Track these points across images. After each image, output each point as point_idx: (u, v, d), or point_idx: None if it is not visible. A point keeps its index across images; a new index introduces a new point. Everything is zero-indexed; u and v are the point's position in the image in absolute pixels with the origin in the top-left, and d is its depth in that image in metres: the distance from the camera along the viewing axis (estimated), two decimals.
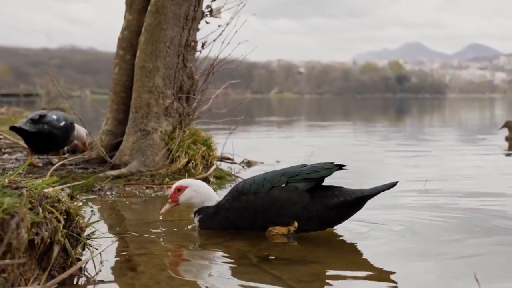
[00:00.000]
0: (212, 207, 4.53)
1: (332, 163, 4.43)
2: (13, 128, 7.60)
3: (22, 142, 9.51)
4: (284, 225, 4.34)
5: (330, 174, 4.36)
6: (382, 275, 3.46)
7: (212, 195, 4.59)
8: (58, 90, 32.29)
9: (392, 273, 3.49)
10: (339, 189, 4.42)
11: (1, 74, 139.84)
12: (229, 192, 4.54)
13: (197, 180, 4.73)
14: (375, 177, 7.53)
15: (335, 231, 4.55)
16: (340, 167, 4.40)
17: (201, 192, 4.55)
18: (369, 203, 5.04)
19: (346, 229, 4.59)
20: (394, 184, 4.33)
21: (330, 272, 3.52)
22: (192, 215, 4.62)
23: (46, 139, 7.61)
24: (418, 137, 15.94)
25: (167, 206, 4.56)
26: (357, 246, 4.14)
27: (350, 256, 3.88)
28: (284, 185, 4.33)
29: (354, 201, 4.34)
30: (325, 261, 3.77)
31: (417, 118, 29.13)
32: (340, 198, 4.32)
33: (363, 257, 3.84)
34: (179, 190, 4.53)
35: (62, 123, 7.75)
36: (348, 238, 4.37)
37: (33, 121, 7.58)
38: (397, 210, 5.34)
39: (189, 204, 4.59)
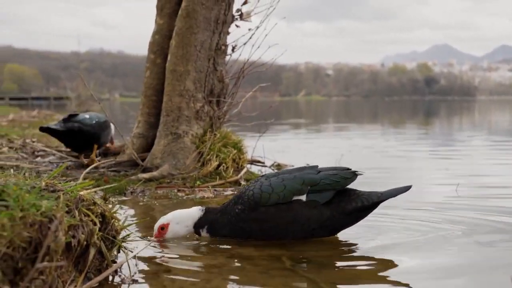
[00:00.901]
0: (214, 214, 4.38)
1: (349, 169, 4.38)
2: (41, 129, 8.04)
3: (55, 145, 9.69)
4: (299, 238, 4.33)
5: (351, 183, 4.32)
6: (416, 280, 3.45)
7: (190, 213, 4.42)
8: (87, 93, 32.71)
9: (426, 278, 3.48)
10: (355, 192, 4.38)
11: (32, 78, 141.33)
12: (240, 199, 4.34)
13: (174, 211, 4.46)
14: (405, 181, 7.49)
15: (368, 234, 4.55)
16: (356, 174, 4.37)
17: (183, 220, 4.39)
18: (403, 207, 5.08)
19: (381, 233, 4.58)
20: (408, 188, 4.36)
21: (364, 275, 3.52)
22: (193, 231, 4.44)
23: (76, 137, 8.03)
24: (448, 139, 15.84)
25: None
26: (391, 250, 4.12)
27: (384, 260, 3.86)
28: (305, 196, 4.23)
29: (371, 206, 4.33)
30: (359, 264, 3.76)
31: (447, 121, 28.91)
32: (358, 203, 4.28)
33: (397, 261, 3.82)
34: (163, 228, 4.36)
35: (94, 121, 8.15)
36: (382, 242, 4.35)
37: (64, 120, 8.06)
38: (431, 215, 5.31)
39: (176, 237, 4.41)
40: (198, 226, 4.40)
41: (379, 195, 4.33)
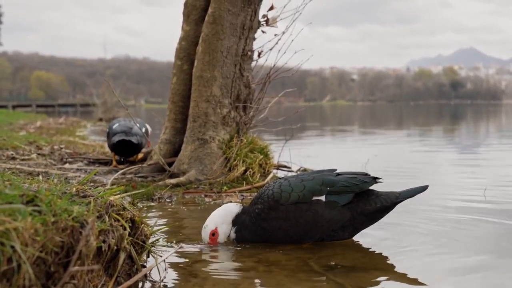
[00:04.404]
0: (241, 215, 4.42)
1: (367, 174, 4.42)
2: (123, 142, 8.83)
3: (82, 151, 9.81)
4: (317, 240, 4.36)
5: (369, 187, 4.36)
6: (445, 284, 3.44)
7: (227, 209, 4.46)
8: (113, 100, 32.87)
9: (456, 283, 3.47)
10: (373, 192, 4.41)
11: (58, 84, 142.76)
12: (260, 199, 4.38)
13: (215, 214, 4.44)
14: (432, 186, 7.45)
15: (394, 237, 4.55)
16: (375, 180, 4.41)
17: (227, 219, 4.41)
18: (428, 211, 5.07)
19: (407, 237, 4.58)
20: (425, 188, 4.39)
21: (393, 280, 3.51)
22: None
23: (136, 146, 8.92)
24: (475, 144, 15.72)
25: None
26: (419, 254, 4.11)
27: (412, 264, 3.85)
28: (324, 197, 4.25)
29: (390, 206, 4.36)
30: (387, 268, 3.76)
31: (474, 125, 28.68)
32: (378, 204, 4.32)
33: (424, 265, 3.81)
34: (214, 234, 4.38)
35: (144, 129, 8.98)
36: (410, 245, 4.35)
37: (126, 133, 8.91)
38: (458, 219, 5.29)
39: (226, 236, 4.43)
40: (234, 223, 4.42)
41: (397, 195, 4.37)
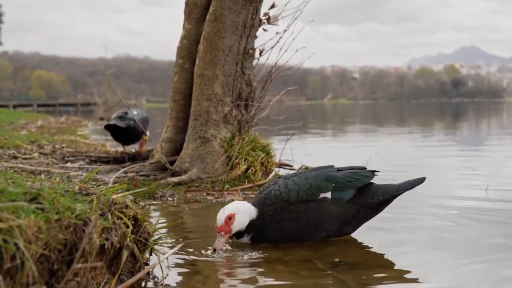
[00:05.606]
0: (255, 219, 4.26)
1: (365, 168, 4.48)
2: (107, 126, 9.23)
3: (84, 150, 9.83)
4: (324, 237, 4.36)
5: (370, 180, 4.41)
6: (446, 281, 3.44)
7: (250, 208, 4.29)
8: (114, 99, 32.91)
9: (457, 280, 3.47)
10: (373, 185, 4.47)
11: (59, 84, 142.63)
12: (267, 200, 4.28)
13: (236, 202, 4.30)
14: (435, 184, 7.45)
15: (396, 234, 4.55)
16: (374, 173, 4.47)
17: (247, 211, 4.23)
18: (430, 209, 5.07)
19: (408, 234, 4.58)
20: (423, 179, 4.50)
21: (395, 276, 3.51)
22: (235, 238, 4.30)
23: (131, 132, 9.22)
24: (477, 142, 15.70)
25: (222, 240, 4.12)
26: (421, 252, 4.11)
27: (414, 261, 3.86)
28: (330, 194, 4.26)
29: (391, 199, 4.45)
30: (390, 265, 3.76)
31: (476, 123, 28.64)
32: (380, 197, 4.40)
33: (425, 262, 3.81)
34: (230, 218, 4.13)
35: (140, 117, 9.16)
36: (412, 243, 4.35)
37: (120, 118, 9.26)
38: (460, 217, 5.29)
39: (240, 229, 4.23)
40: (249, 228, 4.26)
41: (397, 187, 4.47)
